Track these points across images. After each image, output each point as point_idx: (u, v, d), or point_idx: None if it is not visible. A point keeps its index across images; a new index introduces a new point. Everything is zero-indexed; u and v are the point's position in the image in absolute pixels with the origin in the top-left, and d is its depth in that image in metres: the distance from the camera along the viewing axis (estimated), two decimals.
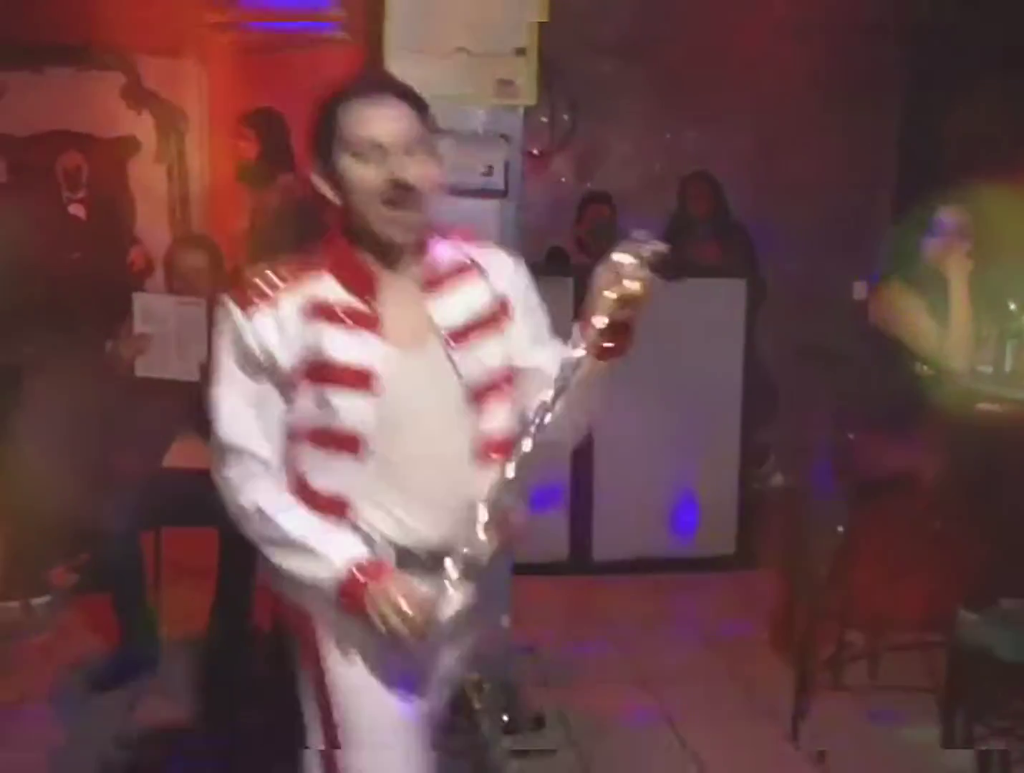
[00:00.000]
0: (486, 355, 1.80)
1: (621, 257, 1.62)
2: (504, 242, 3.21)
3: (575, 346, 1.66)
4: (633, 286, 1.61)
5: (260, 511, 1.78)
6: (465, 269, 1.84)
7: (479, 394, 1.79)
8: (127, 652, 3.64)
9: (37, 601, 4.09)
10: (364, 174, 1.70)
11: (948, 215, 3.55)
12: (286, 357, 1.74)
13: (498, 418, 1.80)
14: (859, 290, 5.23)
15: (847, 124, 5.87)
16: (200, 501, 3.28)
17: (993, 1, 4.84)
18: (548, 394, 1.67)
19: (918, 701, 3.50)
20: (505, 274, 1.87)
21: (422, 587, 1.71)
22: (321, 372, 1.73)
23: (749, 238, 5.72)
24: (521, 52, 3.15)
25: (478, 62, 3.11)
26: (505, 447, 1.74)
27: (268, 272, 1.78)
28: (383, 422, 1.74)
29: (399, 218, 1.71)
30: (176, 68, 5.77)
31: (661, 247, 1.62)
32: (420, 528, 1.78)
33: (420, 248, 1.80)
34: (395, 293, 1.78)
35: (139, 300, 3.72)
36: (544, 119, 5.63)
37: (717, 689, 3.68)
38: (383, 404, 1.73)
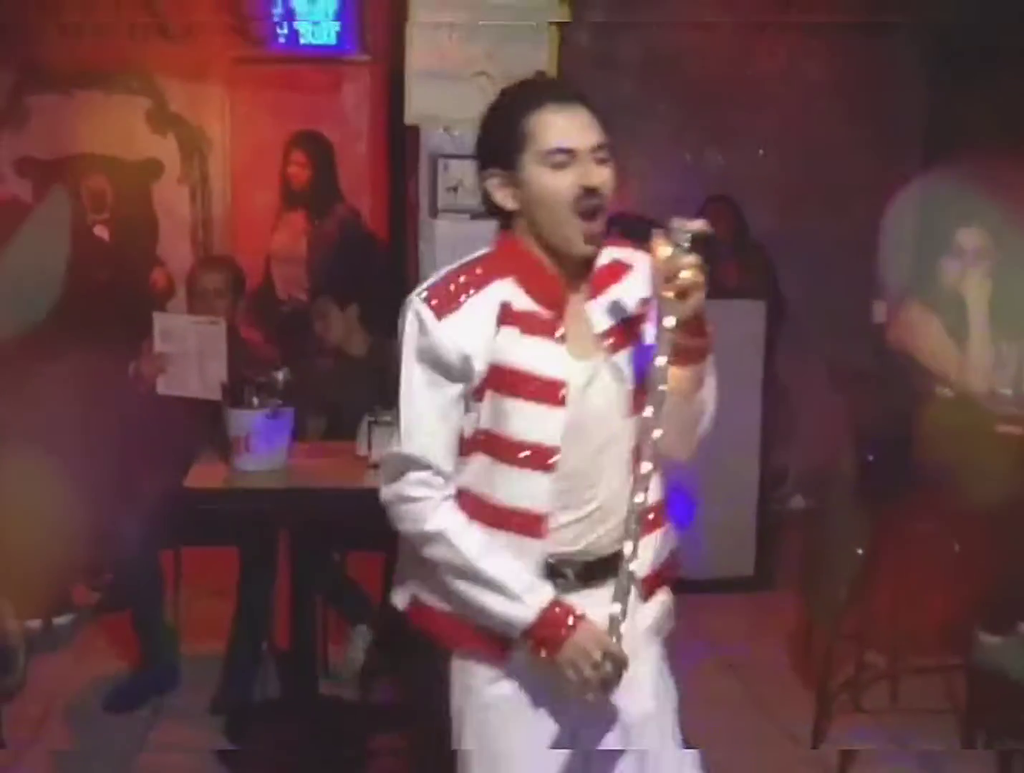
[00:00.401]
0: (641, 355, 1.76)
1: (663, 250, 1.59)
2: None
3: (657, 355, 1.63)
4: (685, 276, 1.59)
5: (446, 538, 1.75)
6: (618, 270, 1.82)
7: (640, 396, 1.75)
8: (146, 672, 3.66)
9: (59, 620, 4.12)
10: (557, 183, 1.67)
11: (967, 236, 3.55)
12: (480, 361, 1.71)
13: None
14: (879, 311, 5.23)
15: (869, 144, 5.87)
16: (220, 521, 3.34)
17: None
18: (648, 411, 1.65)
19: (938, 724, 3.48)
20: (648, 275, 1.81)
21: (611, 638, 1.70)
22: (509, 381, 1.72)
23: (768, 259, 5.72)
24: (541, 74, 3.17)
25: (498, 85, 3.11)
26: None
27: (455, 276, 1.75)
28: (565, 434, 1.73)
29: (591, 229, 1.69)
30: (200, 91, 5.83)
31: (698, 226, 1.60)
32: (597, 538, 1.79)
33: (590, 258, 1.78)
34: (571, 302, 1.77)
35: (159, 320, 3.78)
36: None
37: (736, 711, 3.66)
38: (567, 416, 1.73)
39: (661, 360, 1.60)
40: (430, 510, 1.76)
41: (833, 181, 5.88)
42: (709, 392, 1.79)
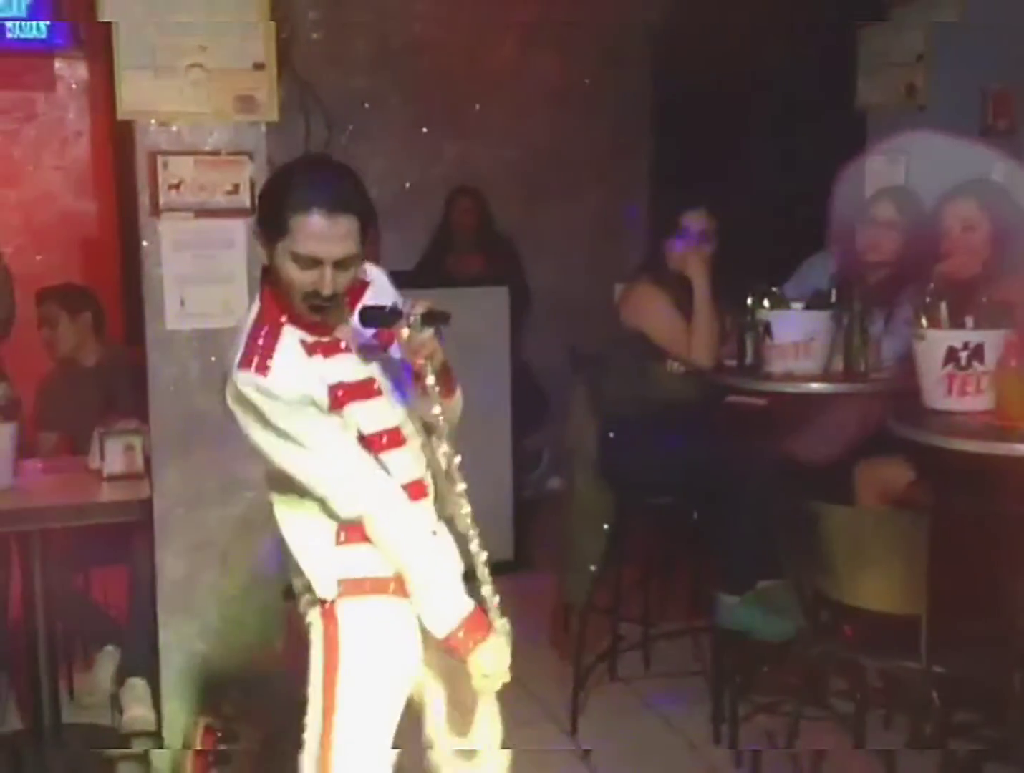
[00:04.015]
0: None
1: (404, 332, 1.95)
2: (255, 263, 3.19)
3: (431, 407, 1.99)
4: (425, 349, 1.96)
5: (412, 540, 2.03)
6: (362, 287, 2.08)
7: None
8: None
9: None
10: (297, 277, 1.93)
11: (692, 220, 3.69)
12: (318, 389, 1.98)
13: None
14: (619, 293, 5.41)
15: (601, 134, 6.06)
16: None
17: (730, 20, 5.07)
18: (443, 446, 2.01)
19: (689, 685, 3.64)
20: (384, 283, 2.14)
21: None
22: (343, 393, 2.00)
23: (513, 249, 5.82)
24: (260, 67, 3.09)
25: (215, 78, 3.04)
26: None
27: (252, 339, 1.98)
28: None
29: (320, 314, 1.98)
30: None
31: (421, 308, 1.94)
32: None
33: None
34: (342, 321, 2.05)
35: None
36: (301, 135, 5.56)
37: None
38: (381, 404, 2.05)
39: (436, 409, 1.98)
40: (392, 513, 2.04)
41: (571, 170, 6.04)
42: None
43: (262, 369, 1.94)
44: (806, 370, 3.32)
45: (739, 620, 3.33)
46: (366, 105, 5.76)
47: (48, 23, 4.95)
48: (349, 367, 2.03)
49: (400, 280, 2.19)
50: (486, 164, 5.89)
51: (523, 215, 5.93)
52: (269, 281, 2.03)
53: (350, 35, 5.74)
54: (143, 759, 3.28)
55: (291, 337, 1.99)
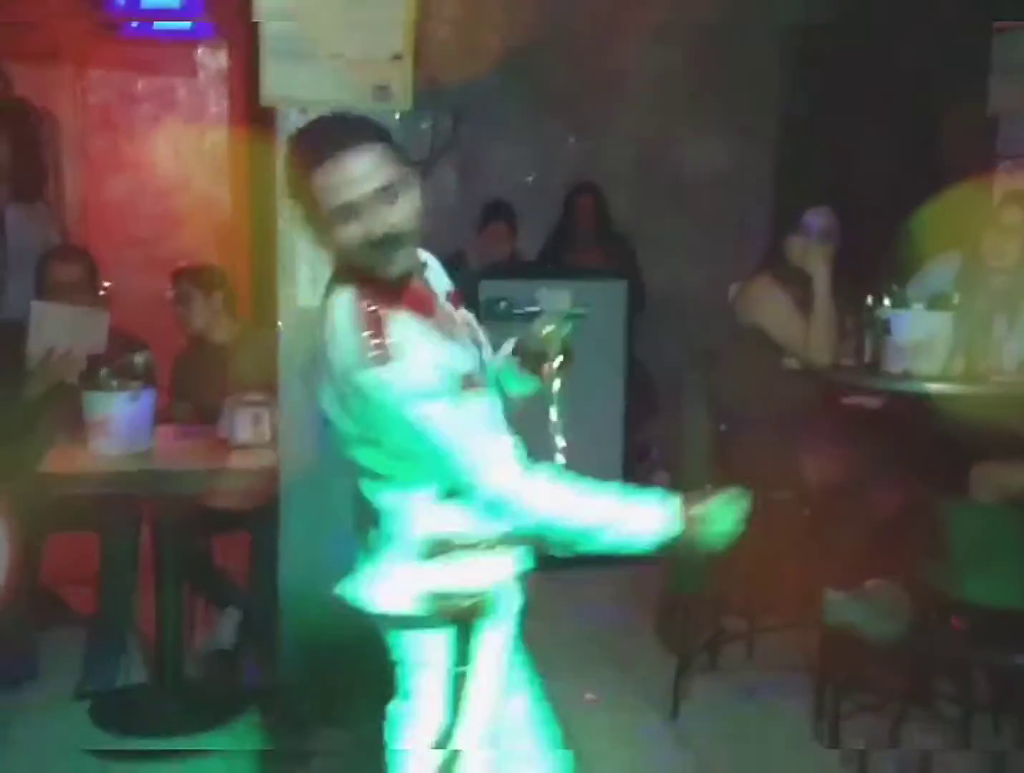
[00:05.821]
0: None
1: (548, 327, 2.03)
2: None
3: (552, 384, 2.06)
4: (565, 340, 2.04)
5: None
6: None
7: None
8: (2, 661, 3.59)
9: None
10: (348, 234, 1.74)
11: (814, 216, 3.69)
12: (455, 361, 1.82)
13: None
14: (735, 291, 5.40)
15: (726, 130, 6.04)
16: (81, 506, 3.29)
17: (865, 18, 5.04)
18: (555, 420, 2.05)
19: (791, 680, 3.64)
20: (438, 267, 2.01)
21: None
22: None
23: (630, 246, 5.85)
24: (397, 57, 3.19)
25: (354, 67, 3.15)
26: None
27: (365, 325, 1.76)
28: None
29: (389, 259, 1.76)
30: (51, 76, 5.65)
31: (568, 307, 1.89)
32: None
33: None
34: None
35: (36, 308, 3.63)
36: (425, 126, 5.68)
37: (602, 676, 3.77)
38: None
39: (557, 383, 2.09)
40: (536, 493, 1.89)
41: (693, 168, 6.04)
42: None
43: (382, 358, 1.73)
44: (925, 370, 3.30)
45: (845, 617, 3.33)
46: (492, 99, 5.85)
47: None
48: (462, 353, 1.86)
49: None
50: (607, 160, 5.93)
51: (642, 212, 5.94)
52: (345, 274, 1.83)
53: (478, 29, 5.84)
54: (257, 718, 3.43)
55: (403, 319, 1.78)
